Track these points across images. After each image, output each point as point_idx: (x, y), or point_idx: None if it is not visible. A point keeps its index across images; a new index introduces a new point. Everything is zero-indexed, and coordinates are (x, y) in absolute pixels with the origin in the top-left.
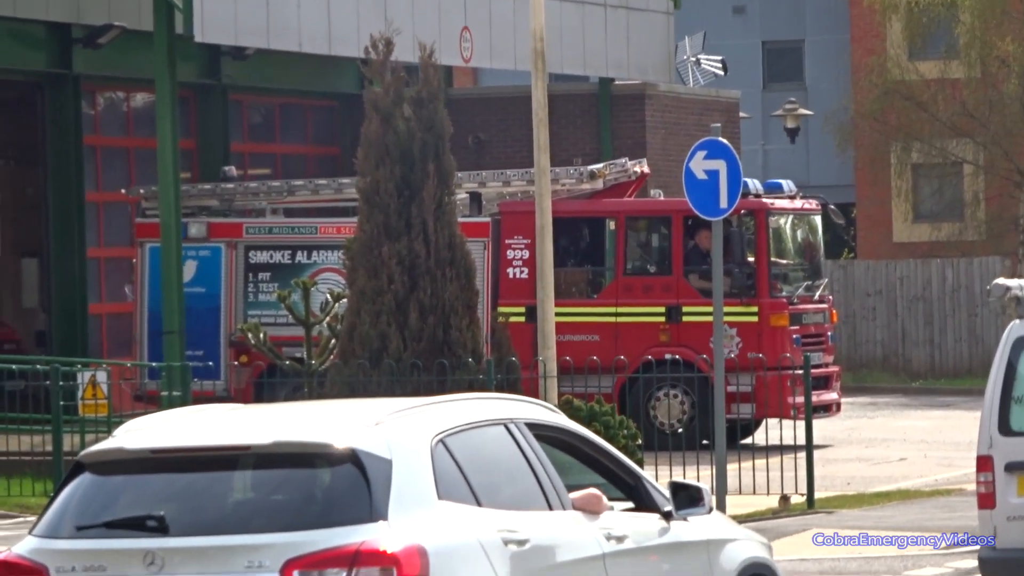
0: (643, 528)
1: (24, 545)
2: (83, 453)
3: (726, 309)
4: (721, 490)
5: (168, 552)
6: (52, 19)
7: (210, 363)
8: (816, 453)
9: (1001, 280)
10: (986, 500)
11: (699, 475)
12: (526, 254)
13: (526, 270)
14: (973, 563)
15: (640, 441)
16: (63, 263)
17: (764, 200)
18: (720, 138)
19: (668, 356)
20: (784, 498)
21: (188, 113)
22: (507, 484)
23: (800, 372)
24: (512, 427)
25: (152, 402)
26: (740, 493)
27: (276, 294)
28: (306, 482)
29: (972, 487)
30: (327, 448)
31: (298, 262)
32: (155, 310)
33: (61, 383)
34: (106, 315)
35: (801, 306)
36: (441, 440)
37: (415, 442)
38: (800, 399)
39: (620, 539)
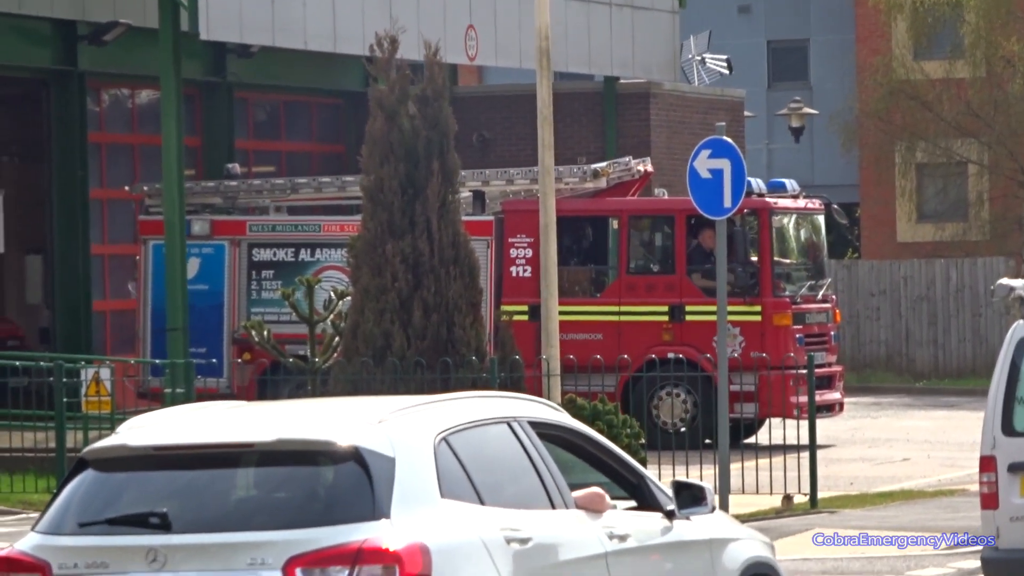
0: (646, 527)
1: (27, 541)
2: (86, 450)
3: (729, 308)
4: (724, 489)
5: (171, 549)
6: (57, 16)
7: (213, 360)
8: (819, 453)
9: (1005, 280)
10: (989, 500)
11: (702, 474)
12: (529, 253)
13: (529, 269)
14: (976, 563)
15: (643, 440)
16: (67, 260)
17: (767, 199)
18: (725, 137)
19: (671, 355)
20: (787, 498)
21: (193, 110)
22: (510, 482)
23: (803, 372)
24: (515, 426)
25: (155, 399)
26: (743, 492)
27: (280, 292)
28: (309, 480)
29: (975, 487)
30: (330, 446)
31: (301, 260)
32: (158, 307)
33: (64, 380)
34: (110, 312)
35: (804, 305)
36: (444, 438)
37: (418, 440)
38: (803, 399)
39: (623, 538)
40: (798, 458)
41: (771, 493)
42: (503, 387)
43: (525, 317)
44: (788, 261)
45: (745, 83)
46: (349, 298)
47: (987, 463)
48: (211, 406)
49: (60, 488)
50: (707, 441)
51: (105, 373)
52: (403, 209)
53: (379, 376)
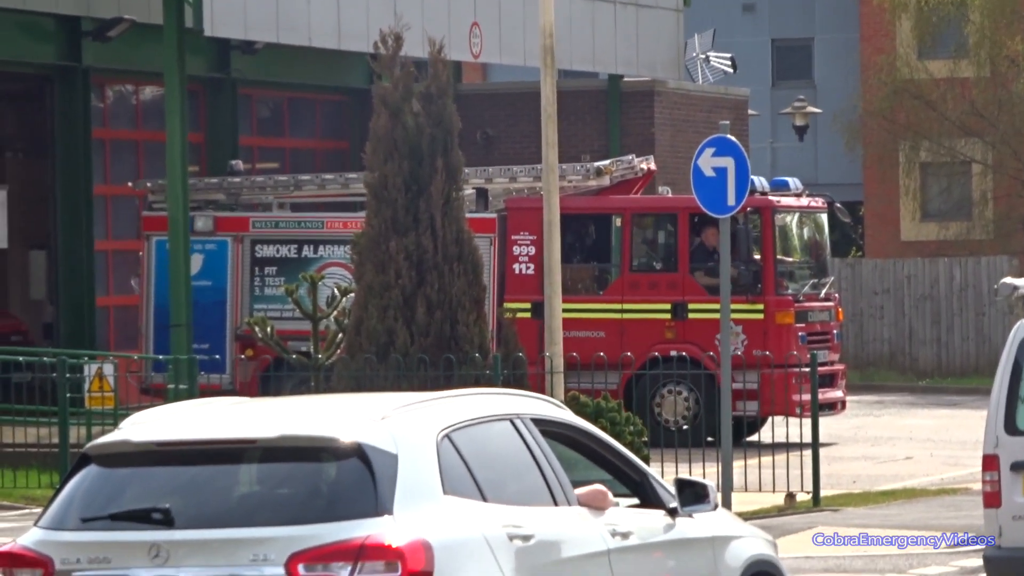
0: (648, 524)
1: (29, 536)
2: (89, 445)
3: (732, 306)
4: (727, 487)
5: (173, 545)
6: (62, 12)
7: (216, 356)
8: (822, 451)
9: (1008, 279)
10: (991, 499)
11: (704, 472)
12: (532, 250)
13: (532, 266)
14: (978, 562)
15: (646, 438)
16: (71, 255)
17: (770, 197)
18: (728, 135)
19: (674, 353)
20: (790, 496)
21: (197, 107)
22: (512, 479)
23: (806, 370)
24: (518, 423)
25: (158, 395)
26: (746, 490)
27: (283, 288)
28: (311, 476)
29: (978, 486)
30: (333, 442)
31: (304, 256)
32: (162, 303)
33: (68, 375)
34: (113, 308)
35: (807, 304)
36: (447, 435)
37: (421, 437)
38: (806, 397)
39: (625, 535)
40: (800, 456)
41: (773, 491)
42: (506, 384)
43: (528, 314)
44: (791, 259)
45: (749, 82)
46: (352, 295)
47: (990, 462)
48: (214, 402)
49: (63, 484)
50: (709, 439)
51: (108, 369)
52: (407, 206)
53: (382, 372)
